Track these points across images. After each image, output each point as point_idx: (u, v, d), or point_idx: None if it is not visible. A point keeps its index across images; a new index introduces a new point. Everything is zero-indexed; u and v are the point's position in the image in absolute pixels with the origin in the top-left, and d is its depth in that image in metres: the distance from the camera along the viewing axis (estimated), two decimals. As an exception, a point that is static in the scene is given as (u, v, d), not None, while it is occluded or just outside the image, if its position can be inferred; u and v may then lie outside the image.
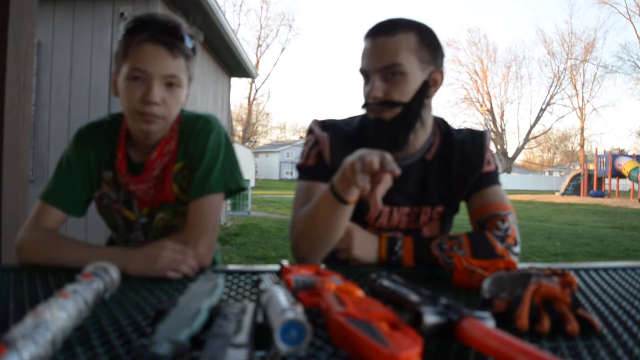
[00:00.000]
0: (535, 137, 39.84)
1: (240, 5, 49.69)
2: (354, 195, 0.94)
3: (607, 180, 19.40)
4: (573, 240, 6.95)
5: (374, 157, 0.84)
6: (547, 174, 44.31)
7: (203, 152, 1.09)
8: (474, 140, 1.16)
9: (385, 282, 0.70)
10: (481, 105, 37.97)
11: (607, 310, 0.71)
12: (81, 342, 0.55)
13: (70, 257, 0.95)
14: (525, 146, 39.10)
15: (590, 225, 9.02)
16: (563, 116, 55.55)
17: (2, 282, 0.84)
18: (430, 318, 0.52)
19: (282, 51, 51.37)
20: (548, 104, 36.93)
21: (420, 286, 0.64)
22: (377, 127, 1.07)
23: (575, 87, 36.14)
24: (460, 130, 1.19)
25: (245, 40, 36.77)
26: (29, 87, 1.62)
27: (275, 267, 0.95)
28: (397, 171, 0.83)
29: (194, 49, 1.08)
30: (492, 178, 1.15)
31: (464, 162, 1.14)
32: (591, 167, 19.94)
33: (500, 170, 1.21)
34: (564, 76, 36.52)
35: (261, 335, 0.50)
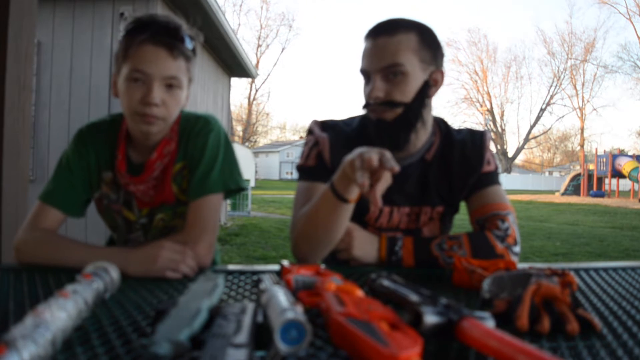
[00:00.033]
0: (535, 137, 39.85)
1: (240, 5, 49.70)
2: (354, 194, 0.94)
3: (607, 180, 19.39)
4: (573, 240, 6.95)
5: (373, 154, 0.84)
6: (547, 174, 44.30)
7: (202, 152, 1.09)
8: (474, 140, 1.16)
9: (385, 282, 0.70)
10: (481, 105, 37.99)
11: (607, 310, 0.71)
12: (81, 342, 0.55)
13: (70, 257, 0.95)
14: (525, 146, 39.14)
15: (590, 225, 9.02)
16: (563, 116, 55.68)
17: (2, 282, 0.84)
18: (430, 318, 0.52)
19: (282, 51, 51.42)
20: (548, 104, 36.94)
21: (420, 286, 0.64)
22: (378, 127, 1.07)
23: (575, 87, 36.17)
24: (460, 130, 1.19)
25: (245, 40, 36.81)
26: (29, 87, 1.62)
27: (275, 267, 0.95)
28: (397, 168, 0.83)
29: (194, 50, 1.08)
30: (492, 178, 1.15)
31: (464, 162, 1.14)
32: (591, 167, 19.93)
33: (500, 170, 1.21)
34: (564, 76, 36.57)
35: (261, 335, 0.50)
